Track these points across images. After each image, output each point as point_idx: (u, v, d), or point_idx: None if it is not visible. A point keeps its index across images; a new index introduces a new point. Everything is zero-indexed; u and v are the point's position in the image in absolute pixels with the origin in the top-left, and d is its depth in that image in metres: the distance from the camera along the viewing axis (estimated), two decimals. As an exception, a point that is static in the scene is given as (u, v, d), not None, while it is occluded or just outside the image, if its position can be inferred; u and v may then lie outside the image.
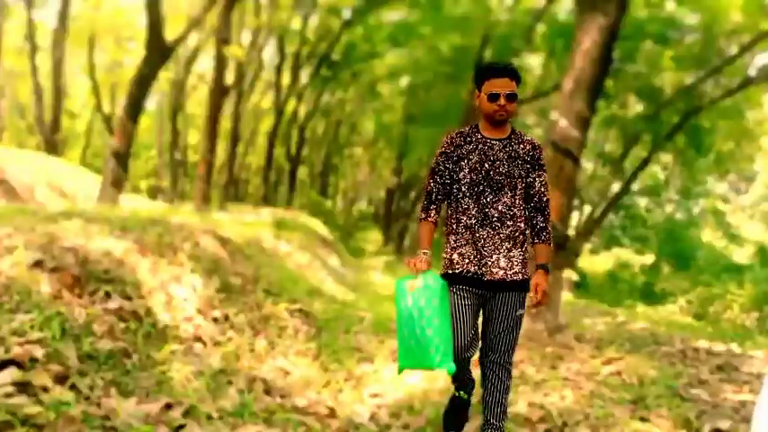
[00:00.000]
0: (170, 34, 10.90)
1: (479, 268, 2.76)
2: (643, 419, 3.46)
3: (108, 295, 3.61)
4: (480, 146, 2.82)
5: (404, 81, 19.13)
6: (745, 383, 4.36)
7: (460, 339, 2.77)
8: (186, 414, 2.87)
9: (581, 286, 16.56)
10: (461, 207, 2.80)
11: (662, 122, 15.72)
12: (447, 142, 2.86)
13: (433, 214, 2.84)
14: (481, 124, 2.88)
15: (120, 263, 3.99)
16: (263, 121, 26.92)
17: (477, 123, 2.91)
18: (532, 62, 14.28)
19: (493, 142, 2.83)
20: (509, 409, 3.57)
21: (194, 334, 3.83)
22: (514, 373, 4.35)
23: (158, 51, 9.89)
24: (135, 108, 10.26)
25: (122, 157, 10.10)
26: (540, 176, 2.87)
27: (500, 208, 2.78)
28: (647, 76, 14.17)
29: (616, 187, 20.25)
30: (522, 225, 2.82)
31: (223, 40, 11.18)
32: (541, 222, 2.87)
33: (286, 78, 19.82)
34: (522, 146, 2.86)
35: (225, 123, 19.87)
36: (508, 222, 2.79)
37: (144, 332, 3.52)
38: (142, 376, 3.13)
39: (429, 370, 2.79)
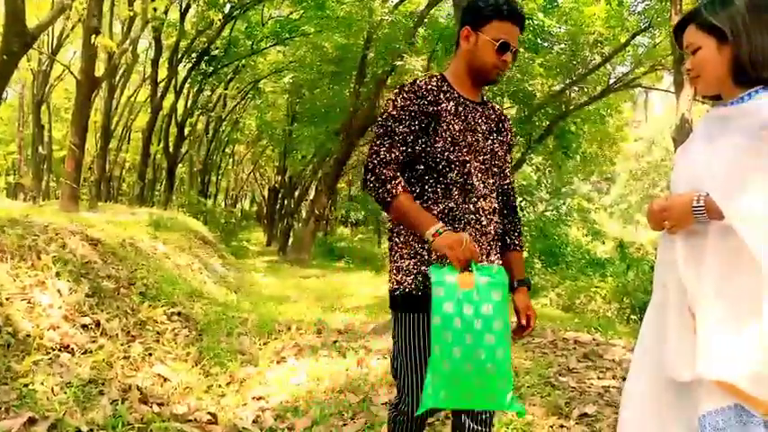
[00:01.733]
0: (33, 20, 10.08)
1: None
2: (517, 408, 3.62)
3: (-41, 304, 3.29)
4: (461, 109, 1.98)
5: (287, 79, 18.89)
6: (609, 370, 4.71)
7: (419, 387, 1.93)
8: (52, 429, 2.67)
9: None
10: (437, 194, 1.95)
11: (534, 125, 16.63)
12: (412, 93, 1.93)
13: (403, 183, 1.92)
14: (455, 78, 2.04)
15: (-26, 268, 3.64)
16: (139, 116, 25.65)
17: (442, 75, 2.05)
18: (415, 64, 14.61)
19: (475, 106, 2.03)
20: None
21: (61, 343, 3.56)
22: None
23: (19, 39, 9.12)
24: (-9, 99, 9.41)
25: (-24, 152, 9.23)
26: (511, 161, 2.19)
27: (488, 199, 2.03)
28: (520, 81, 14.93)
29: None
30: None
31: (93, 29, 10.48)
32: (516, 221, 2.20)
33: (163, 72, 18.97)
34: (497, 116, 2.12)
35: (96, 117, 18.71)
36: (495, 219, 2.07)
37: (3, 342, 3.23)
38: (2, 390, 2.87)
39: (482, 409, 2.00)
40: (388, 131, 1.92)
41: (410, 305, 1.94)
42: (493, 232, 2.05)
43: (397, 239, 2.01)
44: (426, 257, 1.94)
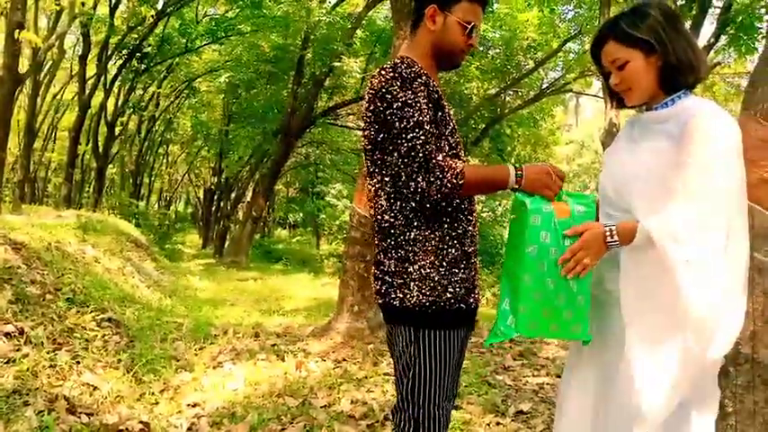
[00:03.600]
0: (-52, 12, 9.53)
1: (472, 293, 1.84)
2: (456, 407, 3.68)
3: None
4: (443, 100, 1.81)
5: (223, 78, 18.52)
6: (543, 367, 4.84)
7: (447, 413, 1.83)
8: (-29, 444, 2.53)
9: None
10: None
11: (470, 128, 16.91)
12: (417, 78, 1.70)
13: (458, 161, 1.71)
14: (423, 62, 1.81)
15: None
16: (66, 114, 24.66)
17: (410, 58, 1.78)
18: (353, 66, 14.60)
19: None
20: (333, 408, 3.62)
21: (-19, 352, 3.38)
22: (338, 371, 4.43)
23: (-67, 30, 8.61)
24: None
25: None
26: None
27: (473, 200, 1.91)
28: (456, 83, 15.15)
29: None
30: None
31: (17, 23, 10.00)
32: None
33: (92, 69, 18.28)
34: None
35: (19, 116, 17.85)
36: None
37: None
38: None
39: (562, 339, 1.97)
40: (415, 123, 1.66)
41: (447, 321, 1.76)
42: None
43: (410, 247, 1.76)
44: (455, 262, 1.77)
